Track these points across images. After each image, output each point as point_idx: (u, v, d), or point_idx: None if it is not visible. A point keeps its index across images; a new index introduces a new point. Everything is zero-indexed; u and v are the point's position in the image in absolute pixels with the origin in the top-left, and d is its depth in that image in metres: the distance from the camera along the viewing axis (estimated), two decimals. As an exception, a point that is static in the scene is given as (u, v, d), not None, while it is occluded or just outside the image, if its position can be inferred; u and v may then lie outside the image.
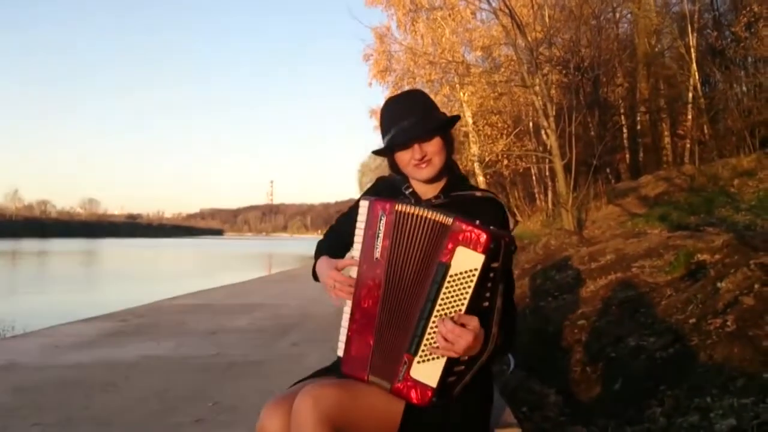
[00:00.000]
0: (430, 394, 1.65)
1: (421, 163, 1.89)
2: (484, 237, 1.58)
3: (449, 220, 1.63)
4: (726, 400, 2.84)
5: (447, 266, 1.61)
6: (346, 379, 1.76)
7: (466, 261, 1.60)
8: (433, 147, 1.89)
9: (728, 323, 3.54)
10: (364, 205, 1.78)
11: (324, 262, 1.95)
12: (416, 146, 1.88)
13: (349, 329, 1.78)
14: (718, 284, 4.11)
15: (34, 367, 5.26)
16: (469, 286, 1.60)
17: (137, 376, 4.96)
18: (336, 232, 2.13)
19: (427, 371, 1.65)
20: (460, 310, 1.61)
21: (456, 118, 2.02)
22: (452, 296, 1.62)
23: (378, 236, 1.72)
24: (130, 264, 34.24)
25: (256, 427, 1.73)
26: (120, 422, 3.74)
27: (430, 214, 1.67)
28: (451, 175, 1.99)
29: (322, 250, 2.07)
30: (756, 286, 3.77)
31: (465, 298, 1.60)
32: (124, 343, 6.43)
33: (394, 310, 1.70)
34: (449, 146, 1.95)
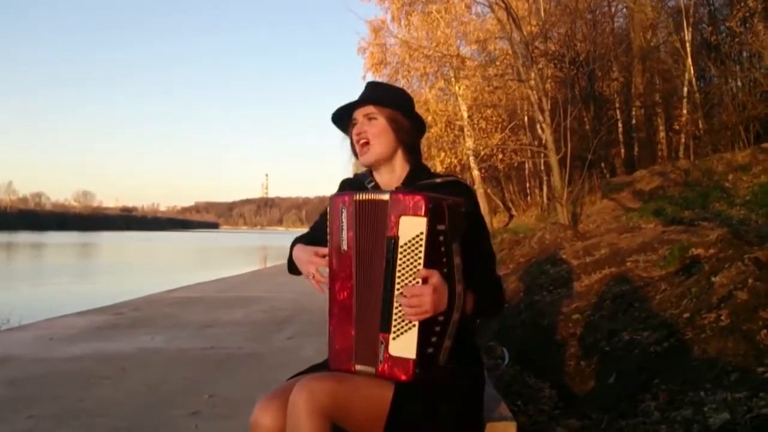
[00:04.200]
0: (411, 366, 1.67)
1: (358, 138, 1.96)
2: (421, 201, 1.63)
3: (385, 196, 1.69)
4: (719, 394, 2.85)
5: (395, 238, 1.66)
6: (338, 372, 1.77)
7: (411, 228, 1.64)
8: (374, 129, 1.96)
9: (722, 317, 3.55)
10: (328, 206, 1.83)
11: (301, 249, 1.98)
12: (358, 121, 1.97)
13: (330, 324, 1.81)
14: (713, 279, 4.12)
15: (30, 360, 5.25)
16: (420, 251, 1.64)
17: (133, 369, 4.95)
18: (310, 234, 2.17)
19: (404, 344, 1.68)
20: (417, 272, 1.65)
21: (405, 101, 2.05)
22: (408, 265, 1.66)
23: (342, 228, 1.76)
24: (125, 257, 34.18)
25: (250, 421, 1.74)
26: (115, 415, 3.74)
27: (374, 196, 1.73)
28: (414, 167, 2.04)
29: (298, 241, 2.11)
30: (750, 280, 3.78)
31: (419, 264, 1.64)
32: (119, 336, 6.42)
33: (367, 296, 1.73)
34: (401, 134, 1.99)
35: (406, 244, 1.65)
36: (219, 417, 3.72)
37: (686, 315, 3.86)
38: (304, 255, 1.94)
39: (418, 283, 1.65)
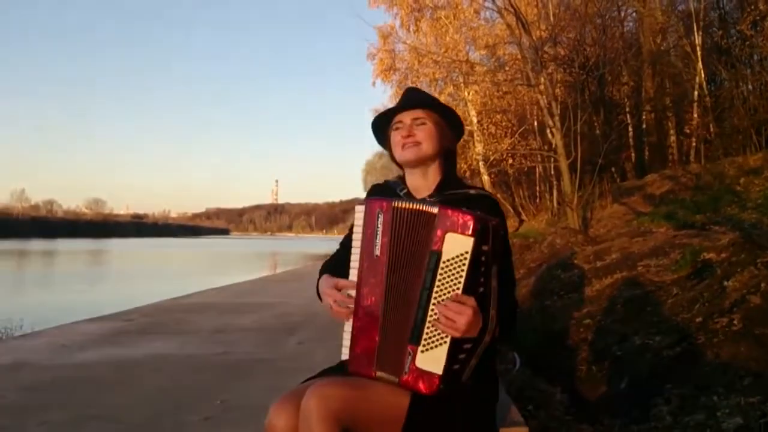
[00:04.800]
0: (437, 381, 1.66)
1: (407, 141, 1.97)
2: (470, 221, 1.62)
3: (435, 209, 1.67)
4: (733, 398, 2.84)
5: (439, 253, 1.65)
6: (353, 376, 1.77)
7: (457, 246, 1.63)
8: (422, 132, 1.98)
9: (735, 322, 3.54)
10: (360, 209, 1.81)
11: (324, 280, 1.99)
12: (405, 125, 1.99)
13: (354, 327, 1.79)
14: (725, 283, 4.10)
15: (42, 366, 5.28)
16: (463, 270, 1.63)
17: (144, 375, 4.97)
18: (339, 252, 2.16)
19: (432, 359, 1.67)
20: (457, 292, 1.65)
21: (450, 110, 2.08)
22: (447, 282, 1.65)
23: (377, 234, 1.75)
24: (136, 263, 34.31)
25: (265, 424, 1.75)
26: (127, 421, 3.76)
27: (420, 207, 1.71)
28: (446, 175, 2.05)
29: (325, 269, 2.11)
30: (763, 284, 3.76)
31: (460, 282, 1.64)
32: (131, 342, 6.45)
33: (397, 304, 1.72)
34: (445, 140, 2.02)
35: (448, 261, 1.65)
36: (230, 422, 3.73)
37: (698, 319, 3.84)
38: (324, 287, 1.96)
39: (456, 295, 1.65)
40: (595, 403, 3.76)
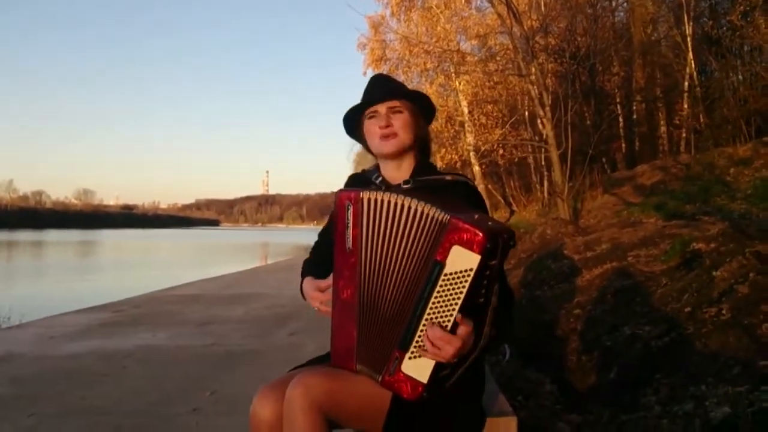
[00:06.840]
0: (420, 389, 1.64)
1: (385, 131, 1.93)
2: (480, 236, 1.53)
3: (446, 217, 1.58)
4: (721, 388, 2.84)
5: (442, 265, 1.57)
6: (337, 367, 1.77)
7: (462, 261, 1.55)
8: (399, 121, 1.94)
9: (723, 312, 3.55)
10: (334, 201, 1.79)
11: (308, 284, 2.00)
12: (381, 114, 1.94)
13: (333, 322, 1.79)
14: (714, 273, 4.12)
15: (31, 358, 5.26)
16: (464, 286, 1.56)
17: (134, 367, 4.95)
18: (319, 246, 2.18)
19: (418, 367, 1.64)
20: (453, 309, 1.58)
21: (425, 97, 2.04)
22: (446, 295, 1.58)
23: (348, 226, 1.72)
24: (126, 254, 34.18)
25: (249, 412, 1.75)
26: (117, 412, 3.74)
27: (422, 207, 1.63)
28: (420, 162, 2.02)
29: (306, 270, 2.10)
30: (751, 274, 3.78)
31: (459, 298, 1.57)
32: (120, 334, 6.42)
33: (374, 298, 1.69)
34: (419, 128, 1.99)
35: (451, 274, 1.57)
36: (220, 414, 3.72)
37: (687, 309, 3.86)
38: (309, 290, 1.97)
39: (450, 318, 1.58)
40: (584, 393, 3.77)
